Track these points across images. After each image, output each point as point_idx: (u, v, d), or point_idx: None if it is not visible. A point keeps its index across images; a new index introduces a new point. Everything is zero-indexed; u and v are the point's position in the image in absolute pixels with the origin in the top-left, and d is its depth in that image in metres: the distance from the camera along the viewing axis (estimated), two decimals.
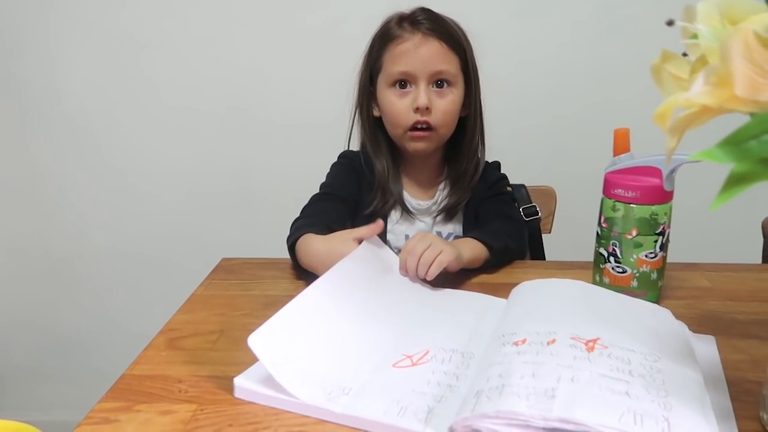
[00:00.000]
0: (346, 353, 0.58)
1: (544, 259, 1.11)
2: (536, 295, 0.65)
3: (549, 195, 1.22)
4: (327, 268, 0.68)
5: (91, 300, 1.67)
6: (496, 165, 1.07)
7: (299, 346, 0.55)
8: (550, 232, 1.21)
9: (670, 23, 0.42)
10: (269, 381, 0.53)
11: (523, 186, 1.14)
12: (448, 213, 1.02)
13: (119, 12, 1.47)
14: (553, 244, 1.14)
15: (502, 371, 0.50)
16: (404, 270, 0.77)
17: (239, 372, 0.55)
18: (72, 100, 1.53)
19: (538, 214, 1.11)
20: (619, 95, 1.47)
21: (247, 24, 1.47)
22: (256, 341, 0.52)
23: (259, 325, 0.68)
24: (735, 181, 0.38)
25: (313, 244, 0.80)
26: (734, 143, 0.38)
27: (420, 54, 0.91)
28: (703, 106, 0.43)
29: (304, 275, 0.82)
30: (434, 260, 0.75)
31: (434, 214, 1.02)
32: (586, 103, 1.48)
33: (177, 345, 0.64)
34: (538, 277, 0.70)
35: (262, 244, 1.56)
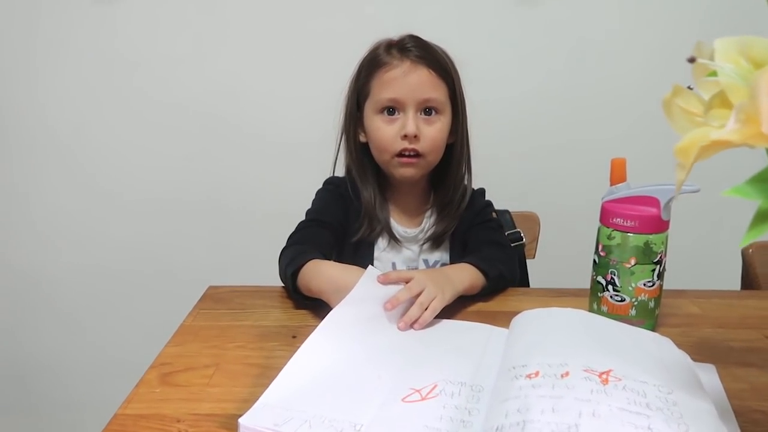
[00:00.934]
0: (353, 392, 0.56)
1: (528, 284, 1.11)
2: (540, 325, 0.65)
3: (533, 220, 1.23)
4: (340, 292, 0.68)
5: (55, 324, 1.59)
6: (482, 191, 1.07)
7: (300, 405, 0.53)
8: (534, 258, 1.21)
9: (691, 60, 0.42)
10: (278, 421, 0.50)
11: (507, 212, 1.15)
12: (435, 241, 1.01)
13: (97, 28, 1.44)
14: (536, 270, 1.15)
15: (520, 406, 0.49)
16: (391, 302, 0.72)
17: (240, 409, 0.52)
18: (40, 115, 1.48)
19: (522, 240, 1.12)
20: (599, 123, 1.51)
21: (225, 41, 1.46)
22: (250, 421, 0.50)
23: (256, 357, 0.67)
24: (763, 218, 0.38)
25: (326, 270, 0.78)
26: (763, 180, 0.38)
27: (409, 81, 0.91)
28: (721, 141, 0.43)
29: (299, 304, 0.80)
30: (428, 305, 0.73)
31: (421, 242, 1.02)
32: (565, 130, 1.51)
33: (171, 381, 0.61)
34: (534, 306, 0.70)
35: (238, 265, 1.55)
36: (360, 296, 0.70)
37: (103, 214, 1.53)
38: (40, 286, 1.57)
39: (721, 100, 0.44)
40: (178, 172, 1.52)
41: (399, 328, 0.71)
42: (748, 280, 1.01)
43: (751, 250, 1.01)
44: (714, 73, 0.45)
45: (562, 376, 0.52)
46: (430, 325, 0.73)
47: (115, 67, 1.46)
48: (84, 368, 1.60)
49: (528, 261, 1.15)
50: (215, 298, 0.84)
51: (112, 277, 1.56)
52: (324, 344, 0.62)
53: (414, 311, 0.72)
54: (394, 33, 0.96)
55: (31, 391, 1.63)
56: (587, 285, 0.84)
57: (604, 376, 0.52)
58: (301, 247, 0.87)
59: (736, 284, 1.49)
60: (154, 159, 1.51)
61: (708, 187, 0.65)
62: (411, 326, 0.72)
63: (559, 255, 1.37)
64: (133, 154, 1.51)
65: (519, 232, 1.12)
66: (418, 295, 0.73)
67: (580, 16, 1.45)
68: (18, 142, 1.49)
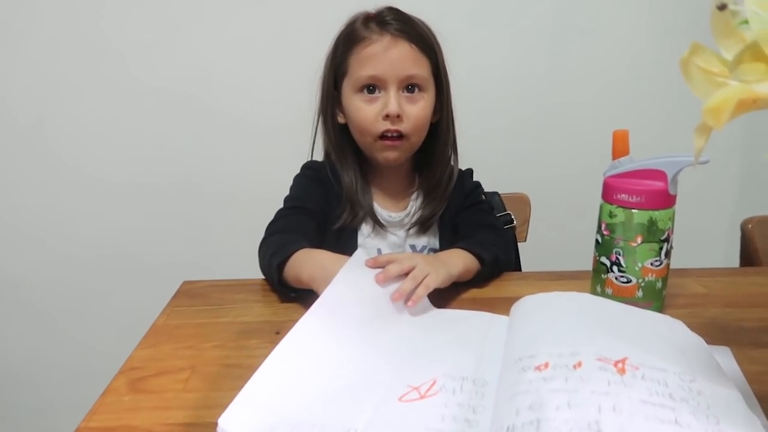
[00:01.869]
0: (345, 390, 0.51)
1: (520, 269, 1.07)
2: (544, 311, 0.60)
3: (523, 202, 1.18)
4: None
5: (22, 324, 1.52)
6: (470, 172, 1.02)
7: (288, 404, 0.48)
8: (525, 240, 1.17)
9: (722, 7, 0.37)
10: (261, 417, 0.45)
11: (496, 193, 1.11)
12: (422, 225, 0.96)
13: (66, 6, 1.35)
14: (528, 253, 1.11)
15: (532, 402, 0.44)
16: (382, 278, 0.68)
17: (218, 416, 0.46)
18: (3, 104, 1.39)
19: (513, 223, 1.07)
20: (582, 96, 1.47)
21: (199, 22, 1.38)
22: (228, 422, 0.44)
23: (236, 357, 0.61)
24: None
25: (319, 258, 0.72)
26: None
27: (389, 57, 0.85)
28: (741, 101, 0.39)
29: (284, 298, 0.75)
30: (422, 281, 0.69)
31: (407, 227, 0.96)
32: (550, 108, 1.47)
33: (141, 387, 0.55)
34: (532, 290, 0.65)
35: (214, 253, 1.48)
36: (347, 281, 0.65)
37: (69, 206, 1.46)
38: (4, 284, 1.49)
39: (754, 53, 0.39)
40: (150, 159, 1.45)
41: (392, 299, 0.66)
42: (748, 255, 0.98)
43: (750, 225, 0.98)
44: (745, 22, 0.40)
45: (574, 366, 0.47)
46: (424, 313, 0.68)
47: (80, 49, 1.37)
48: (55, 371, 1.53)
49: (519, 244, 1.11)
50: (191, 294, 0.78)
51: (81, 272, 1.49)
52: (310, 334, 0.56)
53: (407, 284, 0.67)
54: (372, 7, 0.90)
55: (2, 392, 1.55)
56: (583, 267, 0.80)
57: (620, 365, 0.48)
58: (286, 236, 0.81)
59: (727, 260, 1.48)
60: (121, 148, 1.44)
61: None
62: (405, 303, 0.67)
63: (551, 237, 1.34)
64: (99, 143, 1.43)
65: (509, 215, 1.07)
66: (410, 271, 0.68)
67: None
68: None
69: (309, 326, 0.57)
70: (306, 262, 0.73)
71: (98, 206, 1.46)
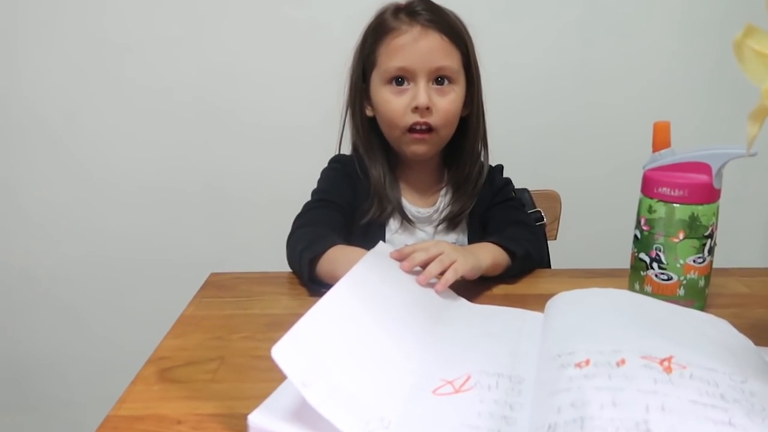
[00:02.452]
0: (378, 372, 0.49)
1: (550, 267, 1.04)
2: (582, 307, 0.58)
3: (553, 199, 1.16)
4: None
5: (52, 319, 1.53)
6: (500, 168, 1.00)
7: (328, 360, 0.46)
8: (555, 239, 1.14)
9: None
10: (292, 417, 0.44)
11: (526, 190, 1.08)
12: (451, 222, 0.94)
13: (85, 12, 1.36)
14: (558, 252, 1.08)
15: (574, 400, 0.42)
16: (408, 264, 0.66)
17: (248, 407, 0.46)
18: (28, 103, 1.41)
19: (543, 220, 1.05)
20: (616, 97, 1.44)
21: (221, 20, 1.38)
22: (280, 354, 0.43)
23: (265, 349, 0.59)
24: None
25: (356, 256, 0.68)
26: None
27: (419, 48, 0.83)
28: None
29: (313, 292, 0.74)
30: (449, 266, 0.67)
31: (436, 223, 0.95)
32: (581, 105, 1.44)
33: (170, 377, 0.54)
34: (566, 287, 0.63)
35: (239, 254, 1.48)
36: (370, 267, 0.63)
37: (97, 204, 1.47)
38: (35, 280, 1.51)
39: None
40: (174, 159, 1.45)
41: (418, 282, 0.65)
42: None
43: None
44: None
45: (617, 364, 0.45)
46: (453, 305, 0.67)
47: (105, 50, 1.38)
48: (83, 364, 1.54)
49: (549, 242, 1.09)
50: (218, 286, 0.78)
51: (109, 269, 1.50)
52: (346, 304, 0.54)
53: (434, 266, 0.66)
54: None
55: (29, 388, 1.57)
56: (616, 266, 0.77)
57: (666, 364, 0.46)
58: (317, 230, 0.80)
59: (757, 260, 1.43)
60: (148, 146, 1.44)
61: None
62: (434, 288, 0.65)
63: (583, 235, 1.31)
64: (127, 141, 1.44)
65: (539, 212, 1.05)
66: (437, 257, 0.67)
67: None
68: (6, 131, 1.42)
69: (342, 295, 0.55)
70: (343, 259, 0.71)
71: (126, 203, 1.47)
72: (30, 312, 1.53)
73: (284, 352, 0.44)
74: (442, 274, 0.67)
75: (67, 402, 1.57)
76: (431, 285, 0.67)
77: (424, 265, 0.67)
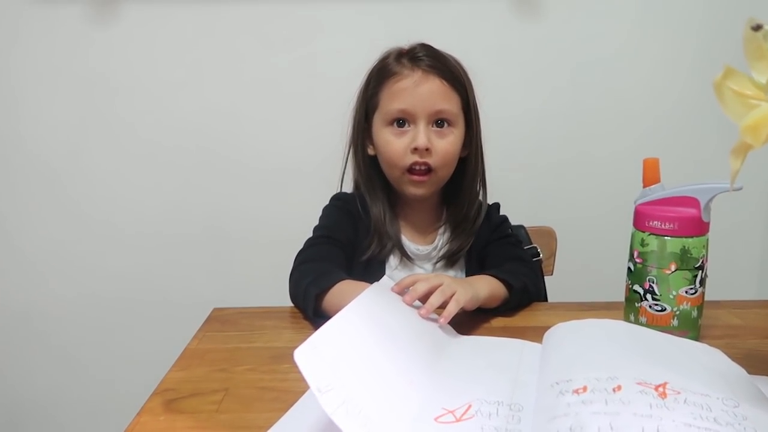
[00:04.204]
0: (385, 393, 0.50)
1: (546, 302, 1.06)
2: (579, 338, 0.60)
3: (549, 235, 1.18)
4: None
5: (48, 360, 1.52)
6: (497, 206, 1.03)
7: (344, 371, 0.48)
8: (552, 274, 1.16)
9: (757, 28, 0.38)
10: None
11: (522, 227, 1.11)
12: (449, 259, 0.96)
13: (86, 53, 1.40)
14: (555, 287, 1.10)
15: (572, 424, 0.43)
16: (410, 297, 0.68)
17: None
18: (34, 142, 1.43)
19: (539, 256, 1.07)
20: (607, 136, 1.48)
21: (221, 64, 1.42)
22: (302, 357, 0.45)
23: (269, 380, 0.61)
24: None
25: (362, 290, 0.67)
26: None
27: (420, 92, 0.87)
28: None
29: (317, 325, 0.74)
30: (450, 297, 0.69)
31: (435, 260, 0.97)
32: (575, 144, 1.48)
33: (176, 408, 0.55)
34: (563, 320, 0.65)
35: (240, 295, 1.49)
36: (373, 299, 0.64)
37: (95, 244, 1.47)
38: (32, 321, 1.50)
39: None
40: (174, 201, 1.47)
41: (421, 315, 0.66)
42: None
43: None
44: None
45: (614, 390, 0.47)
46: (454, 340, 0.68)
47: (106, 95, 1.42)
48: (79, 406, 1.52)
49: (546, 278, 1.10)
50: (221, 320, 0.79)
51: (107, 311, 1.50)
52: (358, 322, 0.56)
53: (435, 298, 0.67)
54: (407, 42, 0.92)
55: (23, 429, 1.55)
56: (612, 299, 0.79)
57: (661, 389, 0.47)
58: (322, 265, 0.82)
59: (761, 293, 1.45)
60: (149, 188, 1.46)
61: None
62: (438, 322, 0.67)
63: (578, 270, 1.32)
64: (127, 182, 1.46)
65: (536, 248, 1.07)
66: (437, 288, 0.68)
67: (584, 31, 1.44)
68: (6, 173, 1.44)
69: (354, 314, 0.57)
70: (351, 293, 0.69)
71: (126, 244, 1.48)
72: (26, 353, 1.52)
73: (306, 356, 0.45)
74: (442, 306, 0.68)
75: None
76: (433, 318, 0.68)
77: (426, 297, 0.69)
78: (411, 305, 0.68)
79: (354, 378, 0.48)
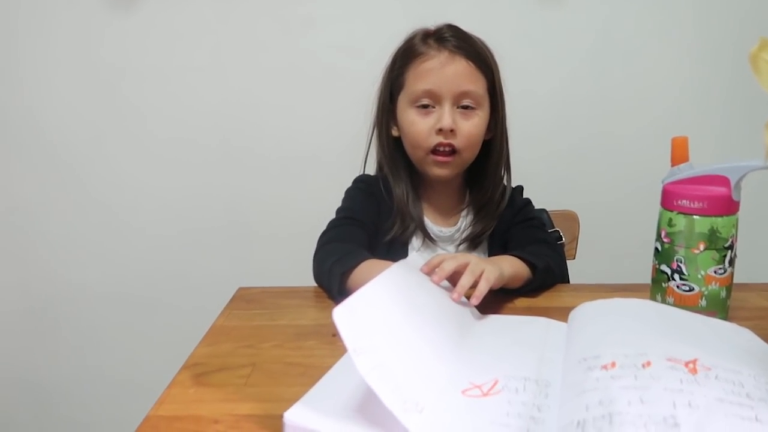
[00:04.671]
0: (414, 360, 0.50)
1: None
2: (606, 315, 0.59)
3: (572, 219, 1.17)
4: None
5: (71, 346, 1.55)
6: (520, 189, 1.03)
7: (379, 335, 0.49)
8: (574, 258, 1.15)
9: None
10: (327, 415, 0.45)
11: (544, 210, 1.10)
12: (472, 241, 0.96)
13: (104, 41, 1.41)
14: (578, 271, 1.09)
15: (602, 398, 0.43)
16: (438, 277, 0.67)
17: (283, 408, 0.47)
18: (54, 132, 1.45)
19: (562, 239, 1.06)
20: (632, 117, 1.46)
21: (242, 52, 1.43)
22: (340, 317, 0.46)
23: (296, 356, 0.62)
24: None
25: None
26: None
27: (446, 73, 0.86)
28: None
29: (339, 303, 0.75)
30: (480, 275, 0.68)
31: (458, 242, 0.96)
32: (599, 125, 1.46)
33: (205, 381, 0.56)
34: (588, 300, 0.64)
35: (261, 282, 1.49)
36: (400, 276, 0.64)
37: (117, 233, 1.50)
38: (57, 307, 1.53)
39: None
40: (195, 188, 1.48)
41: (453, 300, 0.66)
42: None
43: None
44: None
45: (643, 366, 0.46)
46: (480, 318, 0.68)
47: (126, 81, 1.43)
48: (106, 388, 1.56)
49: (568, 262, 1.10)
50: (247, 299, 0.80)
51: (129, 298, 1.53)
52: (392, 289, 0.57)
53: (466, 278, 0.67)
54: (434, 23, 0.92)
55: (52, 407, 1.59)
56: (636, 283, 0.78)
57: (691, 365, 0.47)
58: (346, 246, 0.82)
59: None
60: (169, 175, 1.48)
61: None
62: (469, 300, 0.67)
63: (601, 254, 1.31)
64: (147, 170, 1.47)
65: (558, 232, 1.06)
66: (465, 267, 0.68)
67: (606, 12, 1.41)
68: (26, 160, 1.46)
69: (388, 282, 0.57)
70: (377, 272, 0.71)
71: (146, 232, 1.50)
72: (54, 337, 1.55)
73: (344, 316, 0.46)
74: (472, 285, 0.68)
75: (86, 424, 1.58)
76: (463, 301, 0.68)
77: (453, 276, 0.68)
78: (439, 284, 0.68)
79: (387, 344, 0.48)
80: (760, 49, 0.46)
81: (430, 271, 0.70)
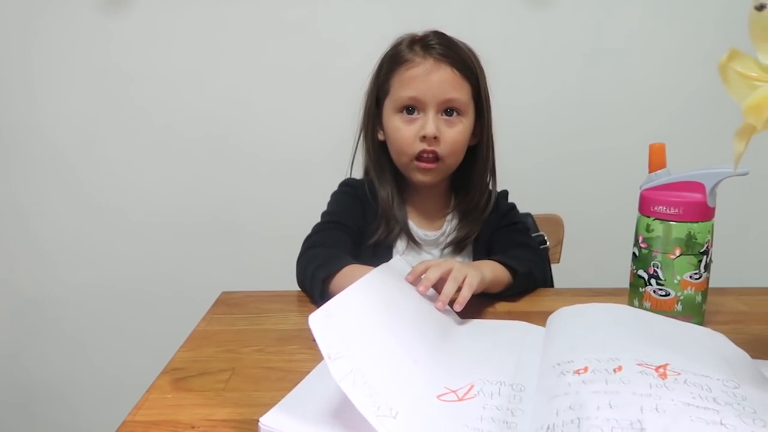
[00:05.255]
0: (390, 365, 0.51)
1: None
2: (582, 321, 0.60)
3: (556, 223, 1.18)
4: None
5: (60, 347, 1.55)
6: (505, 194, 1.03)
7: (354, 341, 0.49)
8: (558, 262, 1.16)
9: (760, 7, 0.38)
10: (302, 420, 0.46)
11: (529, 215, 1.11)
12: (457, 245, 0.97)
13: (101, 44, 1.42)
14: (562, 275, 1.10)
15: (572, 403, 0.44)
16: (423, 284, 0.68)
17: (259, 413, 0.47)
18: (49, 132, 1.45)
19: (546, 243, 1.07)
20: (615, 124, 1.47)
21: (232, 55, 1.43)
22: (315, 322, 0.46)
23: (276, 361, 0.62)
24: None
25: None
26: None
27: (431, 80, 0.87)
28: None
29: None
30: (463, 281, 0.69)
31: (442, 246, 0.97)
32: (582, 133, 1.48)
33: (184, 386, 0.57)
34: (568, 305, 0.65)
35: (248, 282, 1.49)
36: (381, 280, 0.65)
37: (108, 232, 1.50)
38: (44, 307, 1.53)
39: None
40: (185, 190, 1.49)
41: (438, 307, 0.67)
42: None
43: None
44: None
45: (614, 370, 0.47)
46: (459, 323, 0.69)
47: (120, 83, 1.43)
48: (92, 389, 1.55)
49: (553, 265, 1.10)
50: (229, 303, 0.80)
51: (118, 297, 1.52)
52: (364, 304, 0.57)
53: (449, 285, 0.68)
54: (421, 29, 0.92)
55: (35, 414, 1.58)
56: (619, 287, 0.79)
57: (662, 370, 0.47)
58: (330, 251, 0.83)
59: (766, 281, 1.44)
60: (161, 176, 1.48)
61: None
62: (451, 306, 0.68)
63: (585, 259, 1.32)
64: (140, 171, 1.48)
65: (542, 236, 1.07)
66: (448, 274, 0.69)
67: (596, 20, 1.43)
68: (21, 159, 1.47)
69: (365, 289, 0.58)
70: (359, 277, 0.73)
71: (137, 232, 1.50)
72: (40, 338, 1.55)
73: (319, 322, 0.47)
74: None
75: (75, 427, 1.57)
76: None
77: (438, 283, 0.69)
78: (425, 294, 0.69)
79: (362, 350, 0.49)
80: (729, 59, 0.47)
81: (415, 279, 0.70)
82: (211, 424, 0.50)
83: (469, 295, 0.69)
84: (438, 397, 0.50)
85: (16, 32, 1.40)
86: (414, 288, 0.68)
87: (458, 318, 0.71)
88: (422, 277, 0.69)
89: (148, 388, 0.56)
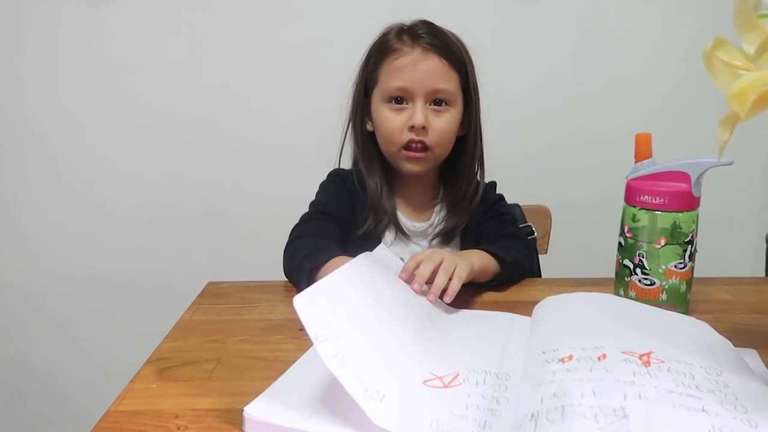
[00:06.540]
0: (376, 349, 0.51)
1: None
2: (567, 310, 0.60)
3: (544, 214, 1.18)
4: None
5: (45, 336, 1.54)
6: (493, 185, 1.03)
7: (340, 323, 0.49)
8: (546, 252, 1.17)
9: None
10: (287, 409, 0.46)
11: (517, 205, 1.11)
12: (445, 236, 0.97)
13: (88, 31, 1.40)
14: (549, 265, 1.10)
15: (557, 390, 0.44)
16: (417, 281, 0.68)
17: (244, 402, 0.47)
18: (31, 120, 1.44)
19: (534, 234, 1.07)
20: (605, 116, 1.48)
21: (220, 43, 1.42)
22: (300, 304, 0.46)
23: (261, 351, 0.62)
24: None
25: None
26: None
27: (419, 70, 0.86)
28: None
29: None
30: (453, 272, 0.69)
31: (430, 237, 0.97)
32: (571, 124, 1.48)
33: (168, 376, 0.56)
34: (554, 294, 0.66)
35: (237, 270, 1.49)
36: (368, 266, 0.65)
37: (97, 220, 1.49)
38: (33, 294, 1.52)
39: None
40: (173, 177, 1.48)
41: (430, 299, 0.67)
42: None
43: None
44: (765, 15, 0.41)
45: (599, 358, 0.48)
46: (446, 312, 0.69)
47: (107, 70, 1.42)
48: (80, 378, 1.54)
49: (540, 256, 1.11)
50: (215, 293, 0.79)
51: (108, 284, 1.51)
52: (355, 280, 0.58)
53: (440, 278, 0.68)
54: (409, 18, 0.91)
55: (25, 403, 1.57)
56: (606, 277, 0.80)
57: (645, 358, 0.48)
58: (317, 241, 0.82)
59: (756, 272, 1.46)
60: (148, 163, 1.47)
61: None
62: (441, 298, 0.68)
63: (572, 249, 1.33)
64: (127, 158, 1.46)
65: (530, 226, 1.07)
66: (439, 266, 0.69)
67: (582, 10, 1.42)
68: (8, 147, 1.45)
69: (352, 273, 0.58)
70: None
71: (125, 218, 1.49)
72: (26, 327, 1.53)
73: (304, 303, 0.47)
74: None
75: (63, 417, 1.56)
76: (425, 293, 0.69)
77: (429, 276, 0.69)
78: (419, 291, 0.68)
79: (348, 333, 0.49)
80: (714, 48, 0.47)
81: (408, 277, 0.69)
82: (195, 414, 0.49)
83: (459, 287, 0.69)
84: (424, 382, 0.50)
85: (4, 19, 1.38)
86: (397, 276, 0.68)
87: (445, 307, 0.71)
88: (415, 273, 0.69)
89: (132, 378, 0.56)
